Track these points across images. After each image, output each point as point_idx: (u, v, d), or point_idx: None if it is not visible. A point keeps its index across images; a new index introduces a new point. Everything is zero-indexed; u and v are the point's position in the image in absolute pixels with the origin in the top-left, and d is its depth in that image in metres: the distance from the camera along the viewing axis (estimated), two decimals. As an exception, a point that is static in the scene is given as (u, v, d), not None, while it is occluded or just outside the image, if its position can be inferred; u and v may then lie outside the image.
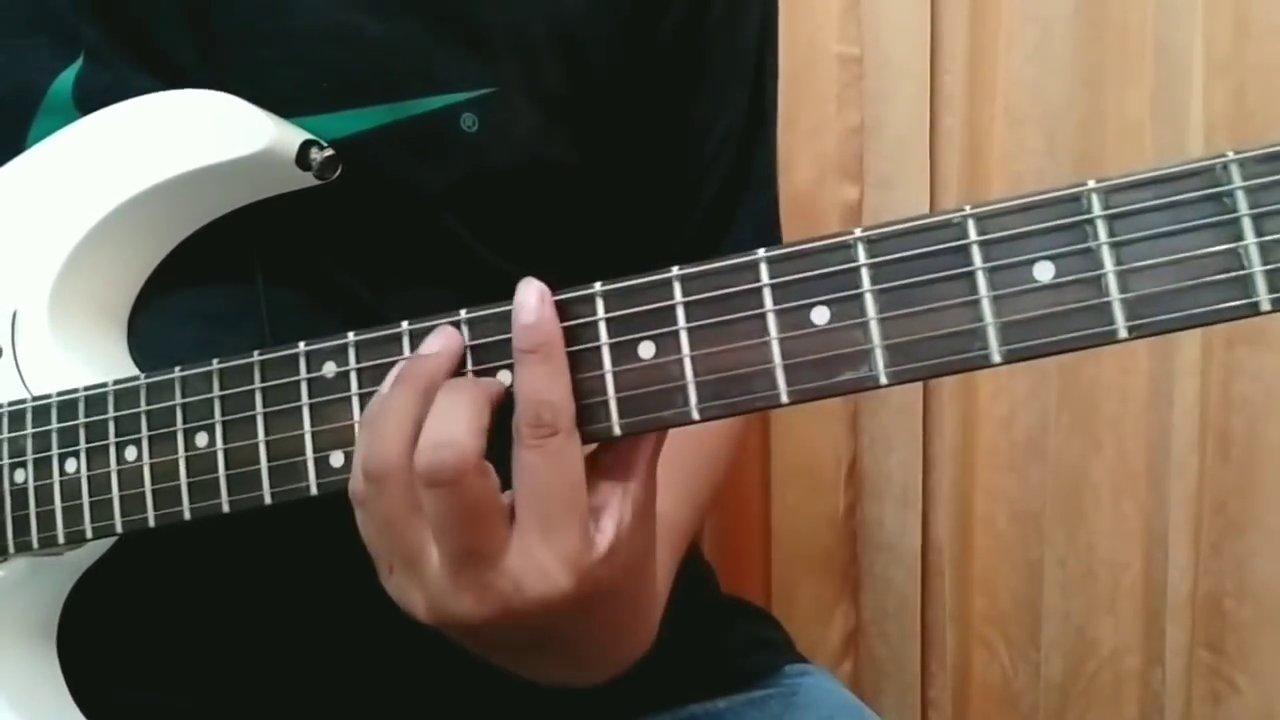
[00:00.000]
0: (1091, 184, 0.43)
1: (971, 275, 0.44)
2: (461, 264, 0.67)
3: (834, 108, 0.99)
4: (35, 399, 0.59)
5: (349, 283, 0.65)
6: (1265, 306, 0.41)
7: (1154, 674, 0.94)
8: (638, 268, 0.66)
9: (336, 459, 0.52)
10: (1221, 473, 0.91)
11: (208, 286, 0.64)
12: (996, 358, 0.44)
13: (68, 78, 0.63)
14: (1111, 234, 0.43)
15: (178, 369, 0.56)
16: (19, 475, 0.59)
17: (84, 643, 0.64)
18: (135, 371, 0.61)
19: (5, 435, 0.60)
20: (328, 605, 0.65)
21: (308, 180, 0.60)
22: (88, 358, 0.61)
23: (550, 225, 0.71)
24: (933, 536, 1.02)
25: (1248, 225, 0.41)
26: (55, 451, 0.58)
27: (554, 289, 0.49)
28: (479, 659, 0.66)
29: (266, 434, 0.54)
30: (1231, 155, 0.42)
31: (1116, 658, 0.96)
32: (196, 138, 0.60)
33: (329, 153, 0.60)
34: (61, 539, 0.58)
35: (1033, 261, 0.44)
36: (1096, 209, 0.43)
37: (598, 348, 0.48)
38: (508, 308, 0.49)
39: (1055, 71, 0.93)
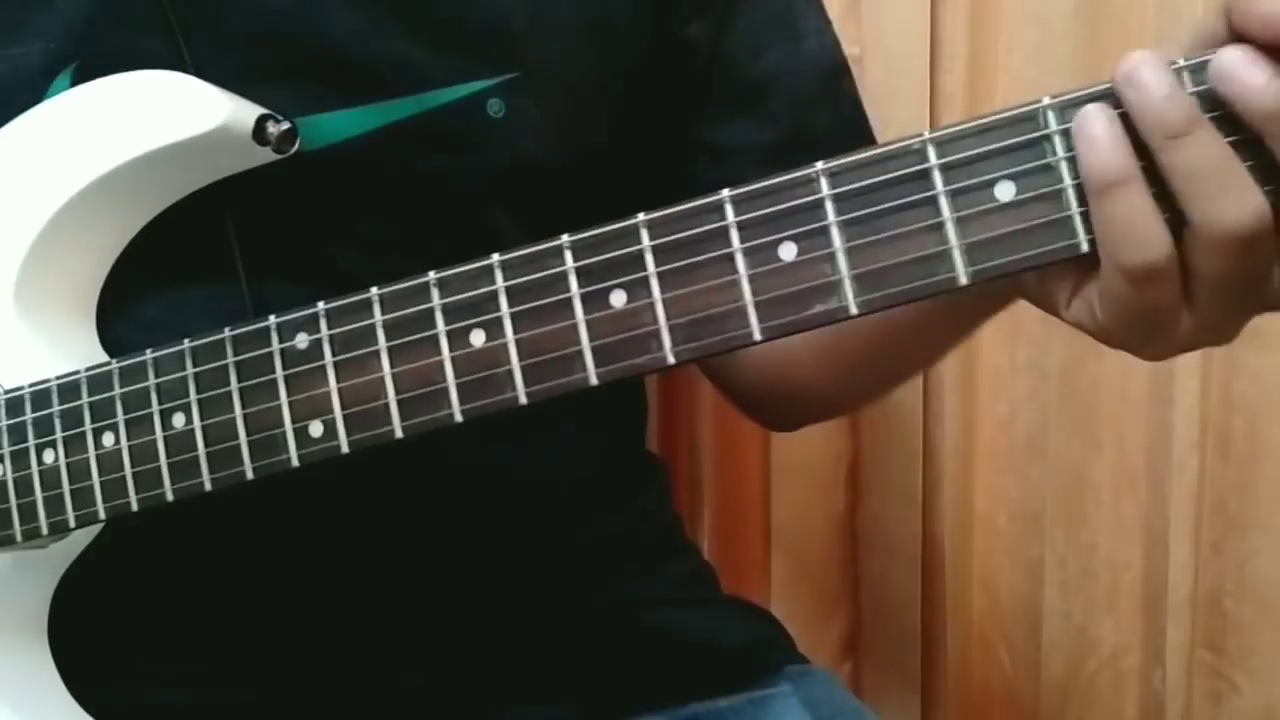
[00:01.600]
0: (1047, 100, 0.44)
1: (934, 200, 0.44)
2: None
3: (835, 107, 0.99)
4: (7, 392, 0.59)
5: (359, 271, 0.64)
6: None
7: (1154, 674, 0.94)
8: None
9: (316, 429, 0.52)
10: (1221, 472, 0.91)
11: (218, 296, 0.63)
12: (964, 279, 0.44)
13: (61, 84, 0.63)
14: (1071, 149, 0.43)
15: (149, 351, 0.56)
16: None
17: (76, 636, 0.64)
18: (105, 358, 0.61)
19: None
20: (320, 592, 0.65)
21: (268, 155, 0.60)
22: (57, 346, 0.61)
23: (592, 214, 0.70)
24: (933, 536, 1.02)
25: None
26: (32, 442, 0.58)
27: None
28: (486, 649, 0.65)
29: (243, 408, 0.54)
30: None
31: (1116, 657, 0.96)
32: (152, 119, 0.59)
33: (285, 125, 0.59)
34: (45, 530, 0.58)
35: (994, 182, 0.44)
36: (1054, 124, 0.44)
37: (569, 299, 0.48)
38: (476, 265, 0.50)
39: (1055, 71, 0.93)
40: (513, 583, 0.69)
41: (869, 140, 0.76)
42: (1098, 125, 0.43)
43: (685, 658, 0.73)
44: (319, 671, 0.66)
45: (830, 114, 0.75)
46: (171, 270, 0.63)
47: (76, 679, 0.63)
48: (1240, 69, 0.41)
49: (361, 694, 0.67)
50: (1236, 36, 0.42)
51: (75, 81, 0.63)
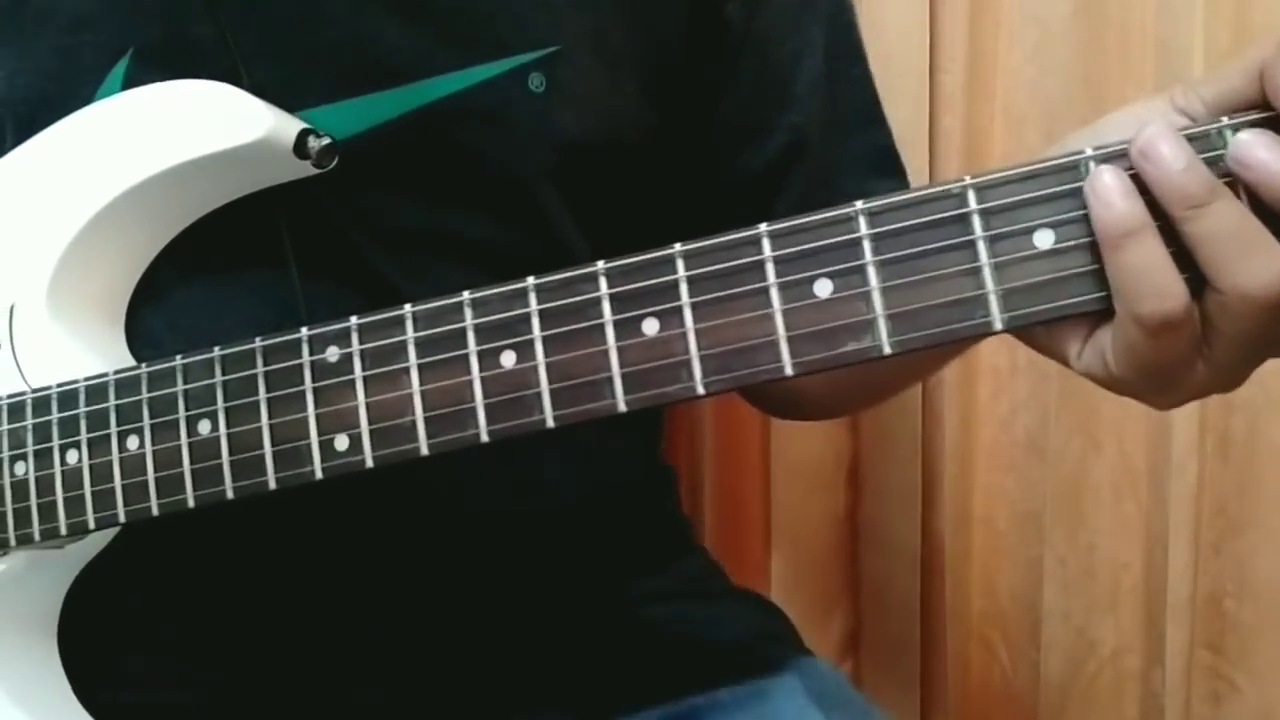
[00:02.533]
0: (1089, 151, 0.44)
1: (972, 244, 0.45)
2: (538, 248, 0.66)
3: (834, 108, 0.99)
4: (35, 391, 0.59)
5: (387, 265, 0.64)
6: None
7: (1154, 674, 0.94)
8: None
9: (341, 442, 0.52)
10: (1221, 473, 0.91)
11: (251, 288, 0.63)
12: (998, 325, 0.45)
13: (116, 77, 0.63)
14: None
15: (179, 357, 0.56)
16: (19, 468, 0.59)
17: (85, 637, 0.64)
18: (130, 360, 0.61)
19: (5, 428, 0.60)
20: (333, 597, 0.65)
21: (307, 169, 0.60)
22: (86, 351, 0.61)
23: (637, 195, 0.70)
24: (933, 536, 1.02)
25: None
26: (56, 442, 0.58)
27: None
28: (496, 652, 0.65)
29: (270, 418, 0.54)
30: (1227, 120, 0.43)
31: (1117, 658, 0.96)
32: (194, 128, 0.60)
33: (326, 141, 0.60)
34: (64, 530, 0.58)
35: (1033, 229, 0.44)
36: None
37: (601, 325, 0.48)
38: (511, 287, 0.50)
39: (1055, 71, 0.93)
40: (527, 588, 0.70)
41: (884, 127, 0.77)
42: (1108, 176, 0.43)
43: (688, 647, 0.73)
44: (326, 673, 0.66)
45: (849, 99, 0.75)
46: (210, 267, 0.63)
47: (80, 679, 0.63)
48: (1259, 153, 0.42)
49: (372, 697, 0.67)
50: (1262, 101, 0.43)
51: (131, 69, 0.63)
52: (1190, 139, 0.43)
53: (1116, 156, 0.44)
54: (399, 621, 0.67)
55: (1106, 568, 0.95)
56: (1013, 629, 1.01)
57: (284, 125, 0.59)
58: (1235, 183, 0.43)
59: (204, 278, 0.63)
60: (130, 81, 0.63)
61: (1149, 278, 0.43)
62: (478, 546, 0.67)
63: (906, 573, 1.03)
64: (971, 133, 0.97)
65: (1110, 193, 0.43)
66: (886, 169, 0.76)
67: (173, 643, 0.67)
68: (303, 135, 0.59)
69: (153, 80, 0.62)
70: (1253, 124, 0.43)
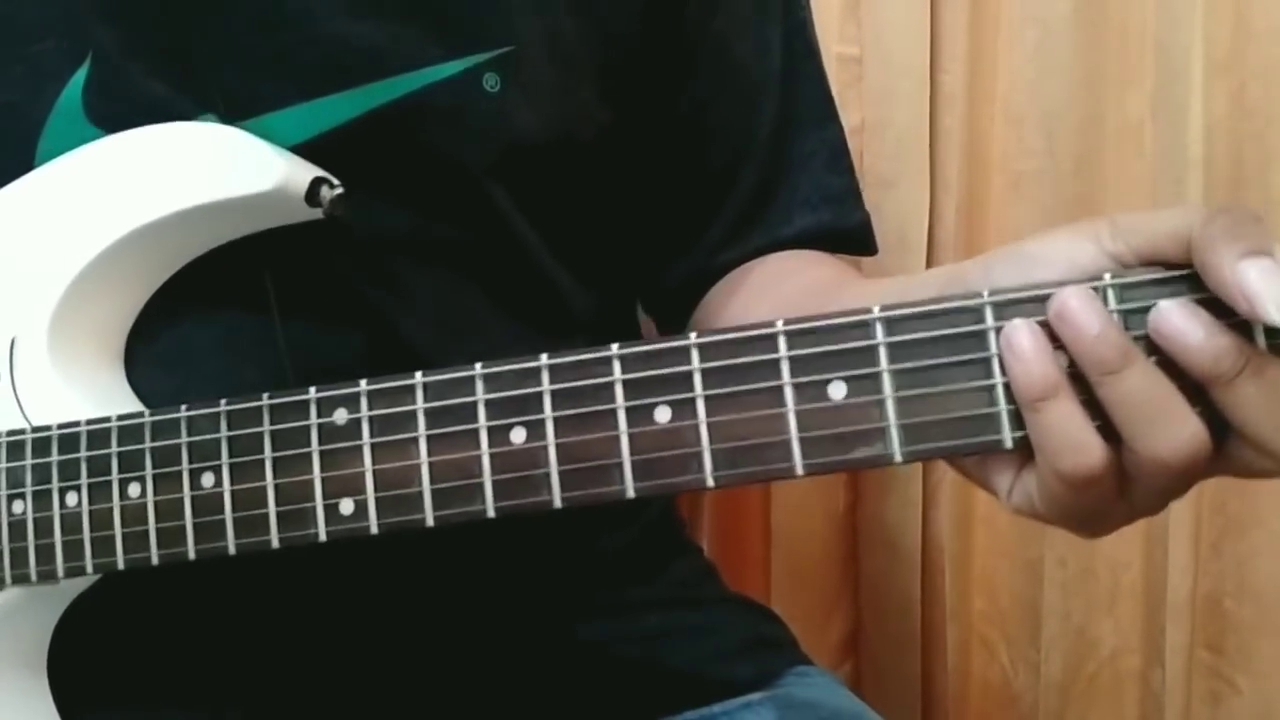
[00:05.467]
0: (1108, 279, 0.44)
1: (988, 361, 0.45)
2: (497, 247, 0.66)
3: (834, 108, 0.99)
4: (35, 430, 0.59)
5: (368, 291, 0.64)
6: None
7: (1154, 674, 0.94)
8: (686, 240, 0.67)
9: (347, 507, 0.52)
10: (1221, 473, 0.91)
11: (220, 307, 0.63)
12: (1008, 444, 0.45)
13: (77, 82, 0.63)
14: (1127, 326, 0.43)
15: (184, 407, 0.56)
16: (17, 506, 0.58)
17: (75, 669, 0.63)
18: (132, 400, 0.61)
19: (4, 465, 0.59)
20: (326, 630, 0.65)
21: (315, 215, 0.60)
22: (86, 386, 0.61)
23: (591, 194, 0.70)
24: (933, 536, 1.02)
25: None
26: (56, 485, 0.58)
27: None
28: (492, 670, 0.65)
29: (275, 477, 0.53)
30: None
31: (1116, 658, 0.96)
32: (205, 172, 0.60)
33: (339, 190, 0.60)
34: (61, 573, 0.58)
35: None
36: (1112, 303, 0.44)
37: (614, 410, 0.48)
38: (524, 365, 0.49)
39: (1055, 71, 0.92)
40: (520, 596, 0.70)
41: (836, 124, 0.78)
42: (1024, 338, 0.44)
43: (685, 659, 0.73)
44: (325, 695, 0.66)
45: (803, 97, 0.76)
46: (188, 290, 0.63)
47: (70, 711, 0.63)
48: (1179, 324, 0.42)
49: (366, 712, 0.67)
50: (1187, 265, 0.43)
51: (91, 74, 0.62)
52: (1118, 289, 0.43)
53: (1139, 286, 0.44)
54: (398, 645, 0.67)
55: (1106, 568, 0.95)
56: (1013, 629, 1.01)
57: (297, 173, 0.59)
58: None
59: (183, 299, 0.63)
60: (89, 87, 0.62)
61: (1066, 435, 0.44)
62: (471, 561, 0.67)
63: (906, 573, 1.03)
64: (971, 133, 0.97)
65: (1026, 352, 0.44)
66: (838, 166, 0.77)
67: (163, 675, 0.66)
68: (315, 184, 0.59)
69: (110, 86, 0.62)
70: (1177, 280, 0.43)
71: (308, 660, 0.66)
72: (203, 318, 0.63)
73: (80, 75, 0.63)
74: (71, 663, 0.63)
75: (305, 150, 0.61)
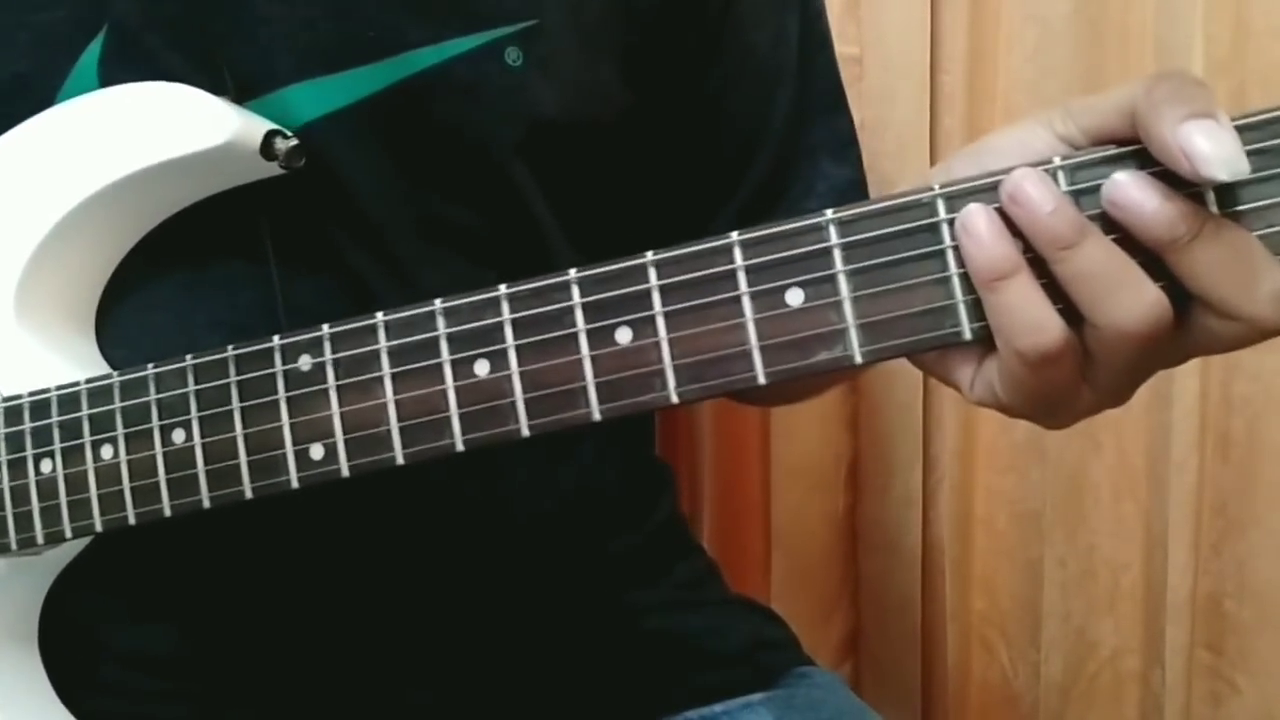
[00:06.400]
0: (1058, 160, 0.44)
1: (942, 253, 0.45)
2: (512, 231, 0.66)
3: (834, 108, 0.99)
4: (6, 399, 0.59)
5: (363, 258, 0.63)
6: None
7: (1154, 675, 0.94)
8: (696, 225, 0.66)
9: (317, 452, 0.52)
10: (1221, 473, 0.90)
11: (223, 285, 0.63)
12: (968, 334, 0.45)
13: (93, 52, 0.62)
14: (1080, 207, 0.43)
15: (150, 365, 0.56)
16: None
17: (66, 640, 0.63)
18: (103, 366, 0.61)
19: None
20: (326, 605, 0.65)
21: (273, 170, 0.59)
22: (55, 353, 0.61)
23: (608, 176, 0.70)
24: (933, 536, 1.02)
25: None
26: (30, 452, 0.58)
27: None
28: (497, 664, 0.65)
29: (244, 428, 0.53)
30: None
31: (1116, 658, 0.96)
32: (159, 131, 0.59)
33: (294, 142, 0.59)
34: (40, 539, 0.58)
35: None
36: (1063, 184, 0.44)
37: (575, 334, 0.48)
38: (482, 296, 0.49)
39: (1055, 71, 0.92)
40: (527, 598, 0.69)
41: (846, 114, 0.78)
42: (979, 220, 0.44)
43: (686, 659, 0.73)
44: (324, 689, 0.66)
45: (815, 86, 0.76)
46: (184, 260, 0.63)
47: (63, 684, 0.63)
48: (1133, 194, 0.42)
49: (370, 712, 0.67)
50: (1134, 139, 0.43)
51: (106, 46, 0.62)
52: (1068, 169, 0.44)
53: (1090, 165, 0.44)
54: (402, 632, 0.67)
55: (1106, 568, 0.95)
56: (1013, 629, 1.01)
57: (249, 128, 0.58)
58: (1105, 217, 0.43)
59: (178, 271, 0.63)
60: (105, 59, 0.62)
61: (1024, 315, 0.43)
62: (475, 557, 0.67)
63: (906, 573, 1.03)
64: (972, 133, 0.97)
65: (982, 235, 0.43)
66: (846, 156, 0.77)
67: (154, 651, 0.66)
68: (269, 137, 0.59)
69: (127, 57, 0.61)
70: (1126, 157, 0.43)
71: (307, 653, 0.65)
72: (210, 313, 0.62)
73: (96, 46, 0.62)
74: (63, 634, 0.63)
75: (322, 125, 0.61)
